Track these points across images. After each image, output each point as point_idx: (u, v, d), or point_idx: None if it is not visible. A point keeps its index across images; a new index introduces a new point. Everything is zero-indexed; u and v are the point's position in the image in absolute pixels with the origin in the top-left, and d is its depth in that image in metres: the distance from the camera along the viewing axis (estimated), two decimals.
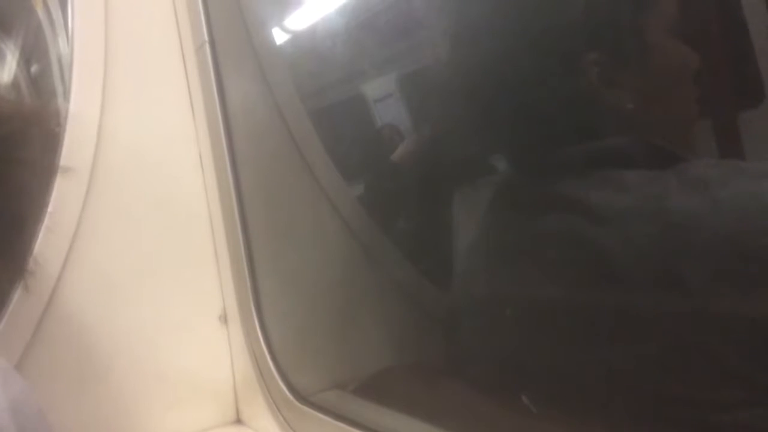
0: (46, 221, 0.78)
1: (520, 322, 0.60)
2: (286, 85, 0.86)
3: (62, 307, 0.80)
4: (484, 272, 0.67)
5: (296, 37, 0.92)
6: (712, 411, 0.46)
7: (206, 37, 0.85)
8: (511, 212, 0.63)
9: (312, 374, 0.82)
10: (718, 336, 0.45)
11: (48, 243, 0.78)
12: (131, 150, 0.86)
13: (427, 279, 0.82)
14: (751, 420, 0.45)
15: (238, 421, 0.92)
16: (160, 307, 0.87)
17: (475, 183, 0.70)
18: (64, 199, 0.80)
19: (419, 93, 0.78)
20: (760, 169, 0.47)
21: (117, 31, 0.86)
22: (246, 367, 0.88)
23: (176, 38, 0.92)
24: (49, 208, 0.78)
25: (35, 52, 1.08)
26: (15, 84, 1.15)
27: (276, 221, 0.87)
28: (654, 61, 0.53)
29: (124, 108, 0.86)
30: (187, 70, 0.91)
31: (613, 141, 0.53)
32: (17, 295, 0.74)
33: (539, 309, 0.57)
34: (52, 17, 0.98)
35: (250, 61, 0.85)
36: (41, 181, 0.71)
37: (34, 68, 1.11)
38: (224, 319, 0.92)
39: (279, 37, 0.91)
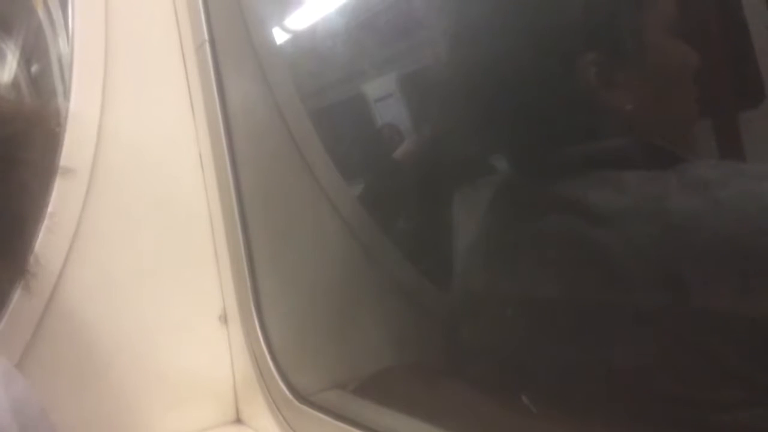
0: (47, 221, 0.78)
1: (520, 323, 0.60)
2: (287, 84, 0.86)
3: (62, 306, 0.80)
4: (484, 272, 0.67)
5: (296, 37, 0.92)
6: (712, 411, 0.46)
7: (206, 37, 0.85)
8: (511, 212, 0.63)
9: (312, 374, 0.82)
10: (718, 336, 0.45)
11: (48, 242, 0.78)
12: (131, 150, 0.86)
13: (427, 279, 0.82)
14: (751, 420, 0.45)
15: (238, 420, 0.92)
16: (160, 306, 0.87)
17: (474, 183, 0.70)
18: (64, 199, 0.80)
19: (419, 93, 0.78)
20: (760, 170, 0.47)
21: (117, 30, 0.86)
22: (246, 366, 0.88)
23: (176, 38, 0.92)
24: (50, 208, 0.78)
25: (35, 52, 1.08)
26: (15, 84, 1.15)
27: (276, 221, 0.87)
28: (653, 60, 0.53)
29: (125, 107, 0.86)
30: (187, 69, 0.92)
31: (613, 141, 0.53)
32: (17, 294, 0.74)
33: (539, 309, 0.57)
34: (52, 17, 0.98)
35: (250, 60, 0.85)
36: (42, 180, 0.72)
37: (34, 68, 1.11)
38: (224, 318, 0.92)
39: (279, 36, 0.91)
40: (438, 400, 0.68)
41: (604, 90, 0.53)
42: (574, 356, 0.54)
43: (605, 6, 0.53)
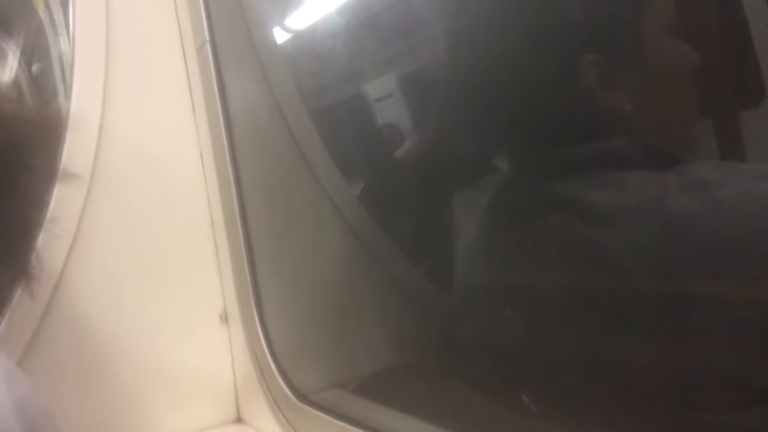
0: (48, 220, 0.78)
1: (520, 322, 0.60)
2: (287, 84, 0.86)
3: (63, 306, 0.80)
4: (485, 272, 0.67)
5: (297, 37, 0.92)
6: (712, 411, 0.46)
7: (207, 37, 0.86)
8: (511, 212, 0.64)
9: (312, 373, 0.82)
10: (718, 336, 0.45)
11: (49, 242, 0.78)
12: (132, 149, 0.86)
13: (427, 278, 0.82)
14: (751, 421, 0.45)
15: (239, 420, 0.93)
16: (161, 306, 0.87)
17: (474, 183, 0.70)
18: (65, 199, 0.80)
19: (419, 93, 0.78)
20: (760, 170, 0.47)
21: (118, 30, 0.86)
22: (247, 366, 0.88)
23: (177, 38, 0.92)
24: (51, 207, 0.78)
25: (36, 52, 1.08)
26: (16, 83, 1.15)
27: (277, 221, 0.87)
28: (653, 61, 0.53)
29: (126, 107, 0.86)
30: (188, 69, 0.92)
31: (613, 141, 0.53)
32: (18, 294, 0.74)
33: (539, 309, 0.57)
34: (53, 17, 0.98)
35: (251, 60, 0.85)
36: (46, 183, 0.72)
37: (35, 68, 1.11)
38: (225, 318, 0.92)
39: (280, 36, 0.91)
40: (438, 399, 0.68)
41: (603, 90, 0.53)
42: (574, 356, 0.54)
43: (605, 6, 0.53)
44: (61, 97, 0.96)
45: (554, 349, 0.56)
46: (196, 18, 0.88)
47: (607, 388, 0.51)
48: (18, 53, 1.13)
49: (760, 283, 0.44)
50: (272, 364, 0.82)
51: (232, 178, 0.85)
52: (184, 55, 0.92)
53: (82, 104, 0.84)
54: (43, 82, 1.09)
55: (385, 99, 0.82)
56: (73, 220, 0.81)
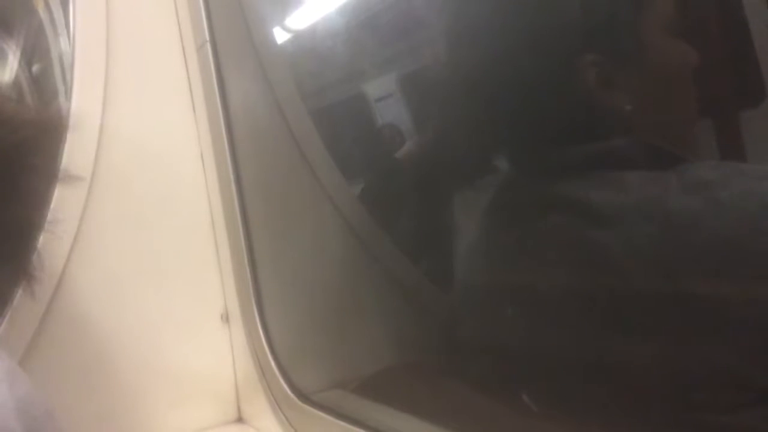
0: (48, 220, 0.78)
1: (521, 322, 0.60)
2: (287, 84, 0.86)
3: (65, 306, 0.80)
4: (485, 272, 0.67)
5: (297, 37, 0.92)
6: (712, 411, 0.46)
7: (207, 37, 0.86)
8: (511, 212, 0.64)
9: (313, 373, 0.82)
10: (718, 337, 0.45)
11: (50, 242, 0.78)
12: (133, 150, 0.87)
13: (427, 278, 0.82)
14: (751, 421, 0.45)
15: (240, 419, 0.93)
16: (162, 306, 0.87)
17: (474, 183, 0.70)
18: (66, 199, 0.80)
19: (420, 93, 0.78)
20: (760, 170, 0.47)
21: (118, 30, 0.86)
22: (247, 365, 0.88)
23: (177, 37, 0.92)
24: (52, 207, 0.78)
25: (37, 52, 1.08)
26: (16, 83, 1.15)
27: (277, 220, 0.87)
28: (653, 60, 0.53)
29: (126, 107, 0.86)
30: (188, 69, 0.92)
31: (613, 141, 0.53)
32: (20, 294, 0.74)
33: (539, 309, 0.57)
34: (53, 17, 0.98)
35: (251, 60, 0.85)
36: (46, 182, 0.72)
37: (35, 68, 1.11)
38: (226, 317, 0.92)
39: (280, 36, 0.91)
40: (439, 399, 0.68)
41: (604, 90, 0.52)
42: (574, 356, 0.54)
43: (605, 6, 0.53)
44: (61, 97, 0.96)
45: (554, 349, 0.56)
46: (196, 18, 0.88)
47: (607, 388, 0.51)
48: (18, 53, 1.13)
49: (760, 283, 0.44)
50: (273, 364, 0.82)
51: (232, 178, 0.85)
52: (185, 55, 0.92)
53: (83, 104, 0.84)
54: (43, 82, 1.09)
55: (386, 99, 0.82)
56: (74, 220, 0.81)
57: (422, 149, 0.79)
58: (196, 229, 0.91)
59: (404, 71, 0.80)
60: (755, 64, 0.48)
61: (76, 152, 0.81)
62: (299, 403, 0.78)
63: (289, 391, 0.79)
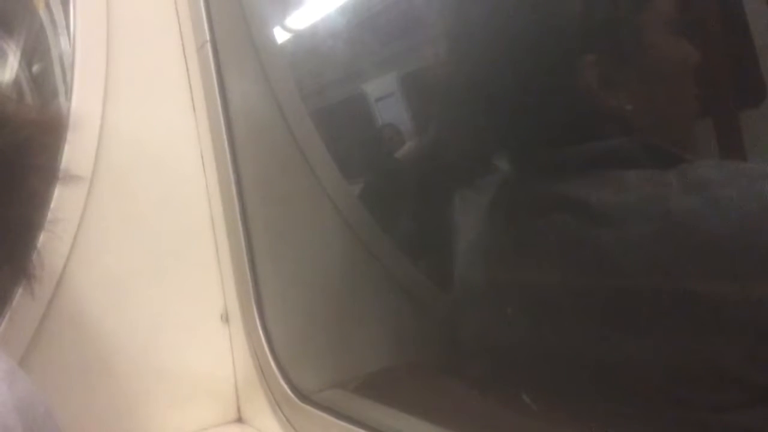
0: (48, 220, 0.78)
1: (521, 322, 0.60)
2: (288, 84, 0.86)
3: (64, 306, 0.80)
4: (485, 271, 0.67)
5: (298, 37, 0.92)
6: (712, 411, 0.46)
7: (208, 37, 0.86)
8: (512, 211, 0.64)
9: (313, 373, 0.82)
10: (717, 336, 0.45)
11: (50, 242, 0.78)
12: (133, 149, 0.86)
13: (427, 278, 0.82)
14: (750, 421, 0.45)
15: (240, 419, 0.93)
16: (162, 306, 0.87)
17: (475, 182, 0.70)
18: (66, 198, 0.80)
19: (420, 92, 0.78)
20: (760, 170, 0.47)
21: (119, 30, 0.86)
22: (247, 365, 0.88)
23: (178, 37, 0.92)
24: (52, 207, 0.78)
25: (37, 52, 1.08)
26: (17, 83, 1.15)
27: (277, 220, 0.87)
28: (653, 60, 0.53)
29: (126, 107, 0.86)
30: (188, 69, 0.92)
31: (613, 141, 0.53)
32: (20, 294, 0.74)
33: (539, 308, 0.57)
34: (53, 17, 0.98)
35: (251, 60, 0.85)
36: (46, 182, 0.72)
37: (35, 68, 1.11)
38: (226, 318, 0.92)
39: (280, 36, 0.91)
40: (438, 398, 0.68)
41: (604, 90, 0.53)
42: (575, 356, 0.54)
43: (605, 6, 0.53)
44: (61, 97, 0.96)
45: (555, 348, 0.56)
46: (196, 17, 0.88)
47: (607, 387, 0.51)
48: (18, 53, 1.14)
49: (760, 282, 0.44)
50: (273, 364, 0.82)
51: (232, 178, 0.85)
52: (185, 55, 0.92)
53: (83, 104, 0.84)
54: (43, 82, 1.09)
55: (386, 99, 0.82)
56: (74, 220, 0.81)
57: (422, 149, 0.79)
58: (195, 229, 0.91)
59: (404, 71, 0.80)
60: (755, 63, 0.48)
61: (76, 152, 0.81)
62: (299, 403, 0.78)
63: (289, 391, 0.79)
